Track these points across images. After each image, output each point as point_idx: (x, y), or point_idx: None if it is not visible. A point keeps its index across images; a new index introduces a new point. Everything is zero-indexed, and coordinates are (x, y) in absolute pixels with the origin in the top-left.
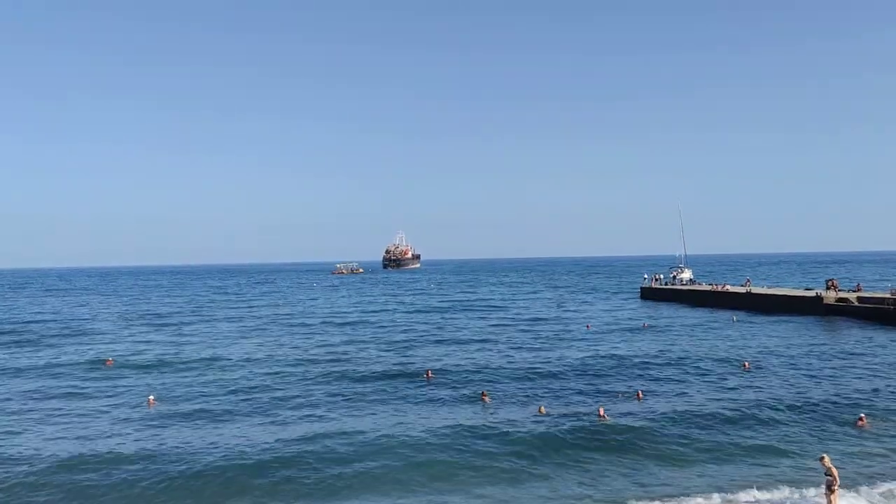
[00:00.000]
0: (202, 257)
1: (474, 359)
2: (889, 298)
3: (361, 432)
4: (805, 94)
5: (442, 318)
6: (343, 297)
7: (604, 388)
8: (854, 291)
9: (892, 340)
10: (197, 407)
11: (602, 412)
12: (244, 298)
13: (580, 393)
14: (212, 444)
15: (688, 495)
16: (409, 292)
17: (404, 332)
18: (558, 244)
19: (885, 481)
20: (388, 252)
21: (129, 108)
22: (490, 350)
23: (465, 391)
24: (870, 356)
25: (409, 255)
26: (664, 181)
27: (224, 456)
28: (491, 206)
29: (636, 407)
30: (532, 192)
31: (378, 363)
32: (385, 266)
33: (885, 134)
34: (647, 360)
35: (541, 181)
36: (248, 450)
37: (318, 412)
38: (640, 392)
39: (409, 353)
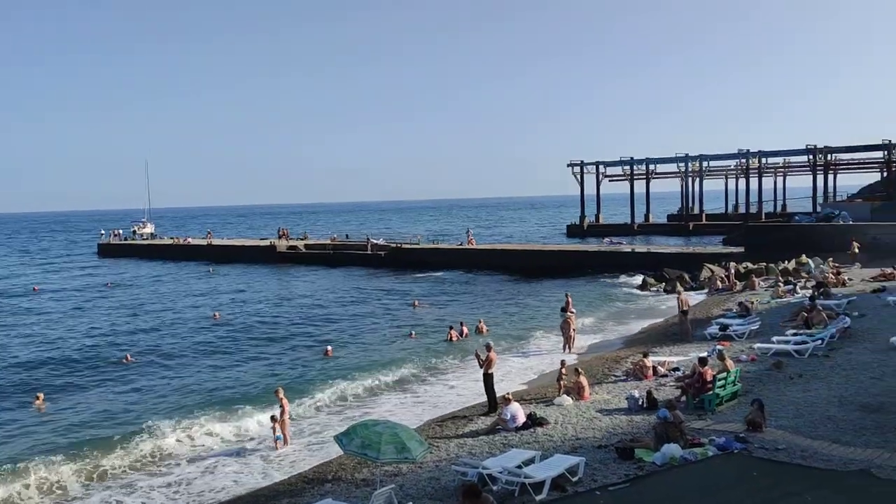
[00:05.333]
0: None
1: None
2: (329, 244)
3: None
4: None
5: None
6: None
7: (76, 357)
8: (302, 239)
9: (336, 278)
10: None
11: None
12: None
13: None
14: None
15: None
16: None
17: None
18: None
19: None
20: None
21: None
22: None
23: None
24: (315, 294)
25: None
26: (128, 132)
27: None
28: None
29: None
30: None
31: None
32: None
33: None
34: (116, 320)
35: None
36: None
37: None
38: (128, 356)
39: None
